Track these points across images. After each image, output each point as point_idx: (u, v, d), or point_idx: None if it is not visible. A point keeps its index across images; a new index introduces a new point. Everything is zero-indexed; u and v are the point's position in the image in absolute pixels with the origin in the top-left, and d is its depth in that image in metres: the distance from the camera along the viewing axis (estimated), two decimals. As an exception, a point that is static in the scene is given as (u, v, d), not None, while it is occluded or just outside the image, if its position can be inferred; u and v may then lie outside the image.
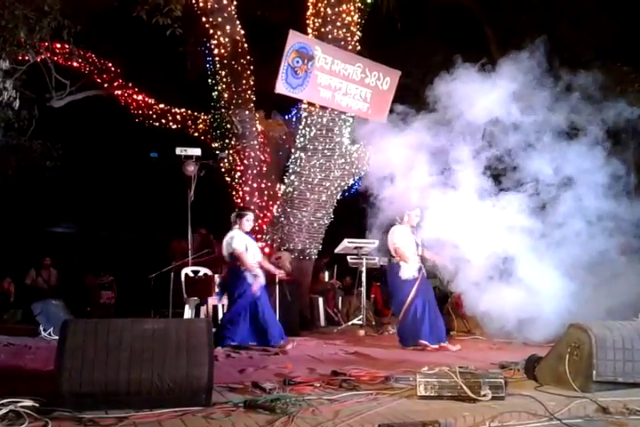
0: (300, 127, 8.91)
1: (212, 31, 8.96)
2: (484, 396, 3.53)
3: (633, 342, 3.96)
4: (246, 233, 6.32)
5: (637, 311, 5.64)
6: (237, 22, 9.07)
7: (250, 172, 9.11)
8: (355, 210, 7.37)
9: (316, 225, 8.89)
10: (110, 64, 10.86)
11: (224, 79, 9.11)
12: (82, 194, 13.01)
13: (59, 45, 9.57)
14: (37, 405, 3.23)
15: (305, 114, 8.87)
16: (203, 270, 7.65)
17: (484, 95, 5.90)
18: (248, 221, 6.32)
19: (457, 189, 6.12)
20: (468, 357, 5.53)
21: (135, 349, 3.33)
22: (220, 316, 7.28)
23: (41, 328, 7.19)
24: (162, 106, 10.72)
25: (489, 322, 6.24)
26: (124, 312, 10.83)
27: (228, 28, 8.94)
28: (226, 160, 9.18)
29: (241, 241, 6.18)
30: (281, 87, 7.90)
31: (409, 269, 6.27)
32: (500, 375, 3.72)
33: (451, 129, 6.18)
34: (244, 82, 9.12)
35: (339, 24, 8.65)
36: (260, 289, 6.18)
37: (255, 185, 9.10)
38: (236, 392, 3.82)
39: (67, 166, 10.25)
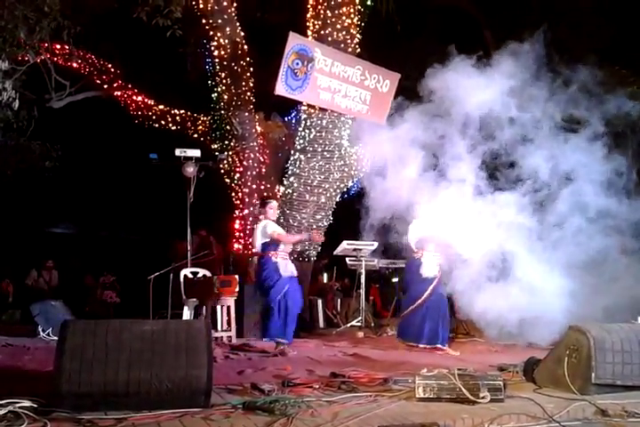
0: (300, 129, 8.91)
1: (211, 33, 8.95)
2: (482, 398, 3.53)
3: (631, 344, 3.96)
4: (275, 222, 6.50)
5: (636, 314, 5.65)
6: (237, 24, 9.08)
7: (249, 173, 9.10)
8: (353, 212, 7.38)
9: (315, 227, 8.89)
10: (110, 65, 10.86)
11: (224, 81, 9.11)
12: (81, 195, 13.01)
13: (58, 46, 9.56)
14: (36, 405, 3.23)
15: (304, 116, 8.87)
16: (202, 272, 7.65)
17: (479, 88, 5.87)
18: (272, 208, 6.47)
19: (452, 185, 6.10)
20: (467, 359, 5.54)
21: (134, 350, 3.33)
22: (221, 316, 7.32)
23: (40, 329, 7.19)
24: (161, 107, 10.72)
25: (486, 325, 6.23)
26: (125, 313, 10.82)
27: (227, 29, 8.94)
28: (225, 161, 9.18)
29: (274, 226, 6.37)
30: (280, 89, 7.90)
31: (430, 267, 6.26)
32: (499, 378, 3.73)
33: (446, 124, 6.16)
34: (243, 83, 9.12)
35: (339, 26, 8.65)
36: (289, 280, 6.22)
37: (254, 186, 9.10)
38: (234, 394, 3.83)
39: (66, 167, 10.25)
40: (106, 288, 12.01)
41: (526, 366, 4.33)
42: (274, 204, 6.56)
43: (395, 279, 10.54)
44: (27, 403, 3.23)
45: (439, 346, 6.14)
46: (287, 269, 6.26)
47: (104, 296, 11.82)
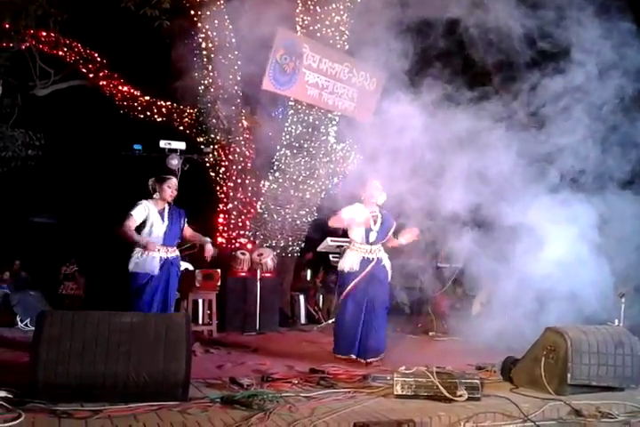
0: (286, 125, 8.89)
1: (199, 25, 8.89)
2: (459, 396, 3.56)
3: (607, 346, 4.02)
4: None
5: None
6: (225, 16, 9.01)
7: (234, 167, 9.06)
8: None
9: (298, 222, 8.89)
10: (96, 54, 10.73)
11: (211, 73, 9.05)
12: (63, 184, 12.85)
13: (44, 33, 9.43)
14: (11, 396, 3.20)
15: (291, 111, 8.85)
16: (184, 265, 7.60)
17: None
18: None
19: None
20: (446, 357, 5.56)
21: (112, 342, 3.31)
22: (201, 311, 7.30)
23: (18, 319, 7.13)
24: (147, 98, 10.61)
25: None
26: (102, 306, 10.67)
27: (215, 22, 8.87)
28: (210, 155, 9.12)
29: None
30: (268, 84, 7.86)
31: None
32: (477, 376, 3.76)
33: None
34: (230, 77, 9.07)
35: (328, 23, 8.63)
36: None
37: (239, 181, 9.05)
38: (213, 388, 3.83)
39: (49, 156, 10.12)
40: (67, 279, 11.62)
41: (504, 365, 4.37)
42: None
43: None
44: (1, 393, 3.20)
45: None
46: None
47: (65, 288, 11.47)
